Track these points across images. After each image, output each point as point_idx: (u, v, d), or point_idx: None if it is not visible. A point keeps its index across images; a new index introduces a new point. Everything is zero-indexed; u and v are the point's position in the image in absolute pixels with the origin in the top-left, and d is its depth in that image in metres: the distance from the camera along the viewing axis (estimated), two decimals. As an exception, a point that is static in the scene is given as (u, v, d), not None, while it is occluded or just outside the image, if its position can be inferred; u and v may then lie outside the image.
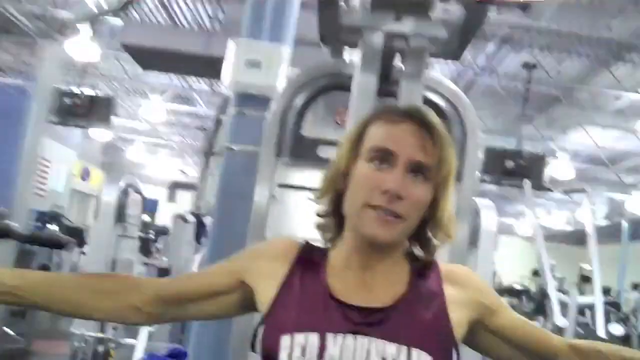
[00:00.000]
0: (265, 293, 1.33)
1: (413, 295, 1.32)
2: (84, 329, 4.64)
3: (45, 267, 10.80)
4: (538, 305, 8.81)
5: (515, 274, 16.55)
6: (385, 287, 1.31)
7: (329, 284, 1.31)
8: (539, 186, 8.10)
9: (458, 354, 1.31)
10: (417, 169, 1.25)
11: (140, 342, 4.23)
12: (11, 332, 7.48)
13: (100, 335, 4.78)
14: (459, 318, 1.32)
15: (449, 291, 1.34)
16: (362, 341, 1.24)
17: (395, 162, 1.24)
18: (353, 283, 1.31)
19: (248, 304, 1.40)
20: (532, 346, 1.38)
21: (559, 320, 5.18)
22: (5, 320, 7.37)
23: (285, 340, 1.24)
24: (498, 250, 5.16)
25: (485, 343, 1.40)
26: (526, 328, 1.40)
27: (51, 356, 7.62)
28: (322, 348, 1.23)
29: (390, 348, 1.24)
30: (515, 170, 8.51)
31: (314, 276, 1.33)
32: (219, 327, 2.27)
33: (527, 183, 6.02)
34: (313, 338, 1.24)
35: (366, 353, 1.23)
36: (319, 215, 1.38)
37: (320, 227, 1.39)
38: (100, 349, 4.86)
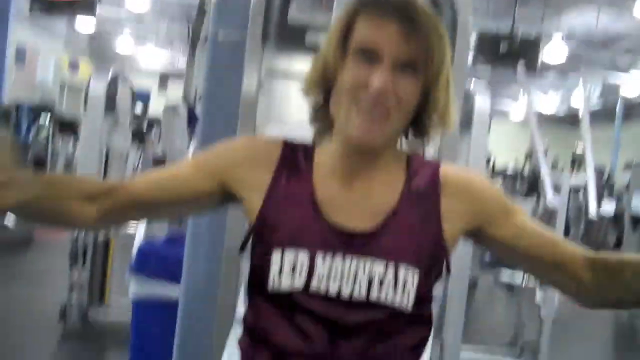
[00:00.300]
0: (252, 201, 1.31)
1: (405, 207, 1.29)
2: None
3: (40, 158, 10.88)
4: (530, 186, 8.94)
5: (509, 158, 16.70)
6: (378, 194, 1.29)
7: (317, 196, 1.29)
8: (533, 68, 8.07)
9: (449, 267, 1.31)
10: (404, 65, 1.21)
11: (140, 228, 4.31)
12: (12, 220, 7.61)
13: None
14: (453, 230, 1.31)
15: (446, 201, 1.31)
16: (351, 261, 1.24)
17: (381, 59, 1.20)
18: (342, 193, 1.29)
19: (226, 201, 1.39)
20: (540, 255, 1.33)
21: (551, 200, 5.25)
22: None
23: (276, 256, 1.24)
24: (492, 134, 5.17)
25: (491, 249, 1.39)
26: (534, 236, 1.33)
27: (53, 244, 7.77)
28: (311, 267, 1.24)
29: (378, 266, 1.24)
30: (509, 53, 8.45)
31: (301, 184, 1.31)
32: (213, 217, 2.30)
33: (521, 64, 5.98)
34: (303, 256, 1.24)
35: (354, 273, 1.23)
36: (311, 108, 1.34)
37: (312, 120, 1.35)
38: (101, 237, 4.95)
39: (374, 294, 1.23)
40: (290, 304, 1.25)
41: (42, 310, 5.02)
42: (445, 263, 1.29)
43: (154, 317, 2.80)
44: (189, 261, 2.37)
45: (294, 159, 1.33)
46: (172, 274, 2.66)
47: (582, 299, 1.35)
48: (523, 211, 1.37)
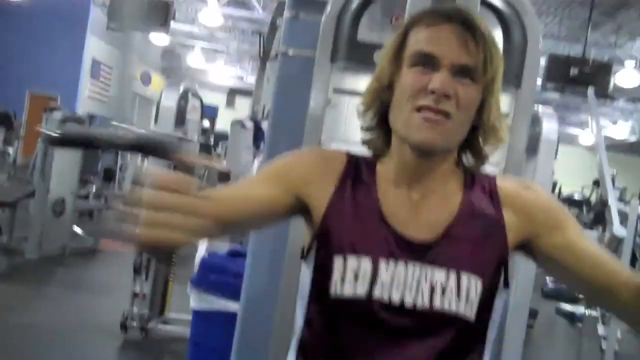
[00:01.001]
0: (317, 207, 1.32)
1: (465, 218, 1.29)
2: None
3: (109, 170, 11.13)
4: (597, 215, 8.75)
5: (576, 185, 16.38)
6: (437, 207, 1.28)
7: (381, 206, 1.30)
8: (604, 94, 7.91)
9: (507, 273, 1.29)
10: (462, 71, 1.21)
11: (203, 242, 4.36)
12: (80, 231, 7.79)
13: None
14: (513, 238, 1.29)
15: (507, 212, 1.30)
16: (413, 268, 1.24)
17: (439, 65, 1.20)
18: (404, 204, 1.29)
19: (295, 213, 1.38)
20: (590, 275, 1.26)
21: (618, 229, 5.12)
22: (74, 219, 7.66)
23: (338, 262, 1.25)
24: (559, 160, 5.08)
25: (542, 263, 1.35)
26: (586, 254, 1.27)
27: (117, 254, 7.93)
28: (374, 273, 1.23)
29: (440, 274, 1.23)
30: (580, 77, 8.30)
31: (364, 194, 1.32)
32: (275, 233, 2.31)
33: (591, 90, 5.87)
34: (366, 263, 1.24)
35: (417, 281, 1.23)
36: (364, 129, 1.35)
37: (366, 142, 1.36)
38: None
39: (436, 303, 1.22)
40: (352, 313, 1.24)
41: (105, 319, 5.11)
42: (505, 273, 1.27)
43: (213, 330, 2.83)
44: (250, 274, 2.39)
45: (357, 170, 1.34)
46: (233, 289, 2.69)
47: (633, 325, 1.29)
48: (580, 229, 1.33)
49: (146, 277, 4.87)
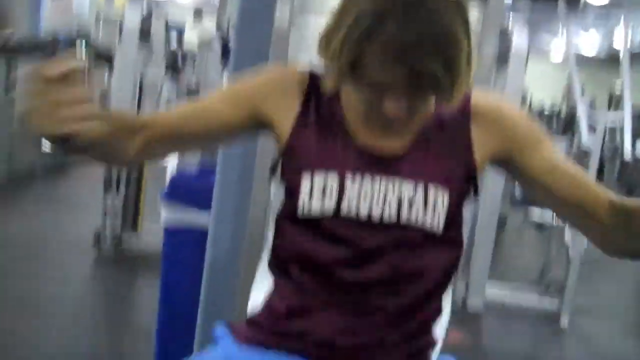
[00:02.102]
0: (282, 126, 1.33)
1: (434, 131, 1.30)
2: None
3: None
4: (566, 125, 8.81)
5: (546, 97, 16.41)
6: (403, 122, 1.27)
7: (346, 121, 1.31)
8: (575, 5, 7.86)
9: (477, 190, 1.32)
10: (418, 94, 1.17)
11: (171, 160, 4.35)
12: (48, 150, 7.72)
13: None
14: (483, 156, 1.31)
15: (476, 129, 1.31)
16: (380, 182, 1.26)
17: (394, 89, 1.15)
18: (370, 121, 1.30)
19: (257, 131, 1.40)
20: (564, 193, 1.28)
21: (586, 139, 5.18)
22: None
23: (305, 177, 1.26)
24: (529, 73, 5.08)
25: (518, 179, 1.37)
26: (561, 173, 1.29)
27: (87, 171, 7.89)
28: (341, 188, 1.25)
29: (407, 187, 1.25)
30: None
31: (329, 109, 1.33)
32: (245, 147, 2.32)
33: (561, 3, 5.83)
34: (333, 177, 1.26)
35: (383, 194, 1.25)
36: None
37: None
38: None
39: (404, 215, 1.25)
40: (320, 228, 1.27)
41: (77, 235, 5.14)
42: (474, 185, 1.30)
43: (185, 244, 2.85)
44: (220, 188, 2.40)
45: (322, 86, 1.32)
46: (204, 202, 2.70)
47: (601, 244, 1.29)
48: (553, 145, 1.34)
49: (117, 191, 4.87)
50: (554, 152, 1.33)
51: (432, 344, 1.36)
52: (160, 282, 3.04)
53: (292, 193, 1.29)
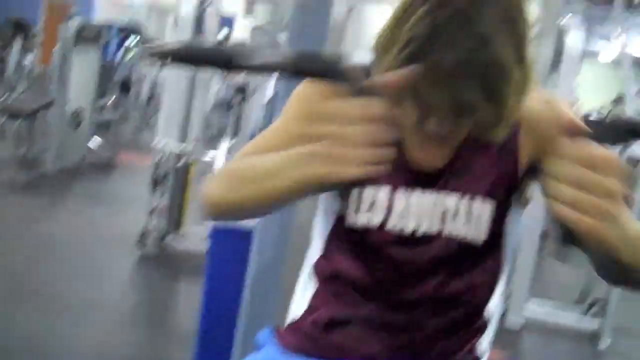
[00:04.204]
0: None
1: (479, 141, 1.22)
2: (164, 142, 4.77)
3: (126, 82, 11.07)
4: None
5: (597, 101, 16.14)
6: (447, 135, 1.19)
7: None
8: (632, 4, 7.65)
9: (524, 199, 1.28)
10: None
11: (220, 155, 4.35)
12: (97, 144, 7.80)
13: (181, 145, 4.90)
14: (527, 161, 1.24)
15: (524, 134, 1.24)
16: (426, 196, 1.23)
17: None
18: (417, 134, 1.21)
19: None
20: None
21: (636, 148, 5.06)
22: (92, 131, 7.66)
23: (355, 189, 1.23)
24: (581, 75, 4.96)
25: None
26: None
27: (135, 167, 7.96)
28: (390, 203, 1.23)
29: (451, 199, 1.22)
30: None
31: None
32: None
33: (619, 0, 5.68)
34: (383, 191, 1.24)
35: (430, 207, 1.23)
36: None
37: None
38: (181, 163, 5.02)
39: (447, 228, 1.22)
40: (364, 242, 1.25)
41: (122, 233, 5.16)
42: (520, 195, 1.26)
43: (230, 245, 2.83)
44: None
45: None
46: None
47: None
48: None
49: (163, 191, 4.87)
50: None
51: None
52: (203, 284, 3.03)
53: (341, 204, 1.27)
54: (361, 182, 0.88)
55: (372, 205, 1.23)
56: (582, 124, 0.89)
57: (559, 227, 0.86)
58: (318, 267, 1.37)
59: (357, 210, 1.24)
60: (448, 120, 1.09)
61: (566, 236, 0.86)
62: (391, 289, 1.27)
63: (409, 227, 1.23)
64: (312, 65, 0.91)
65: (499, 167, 1.24)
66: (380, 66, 1.10)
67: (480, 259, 1.27)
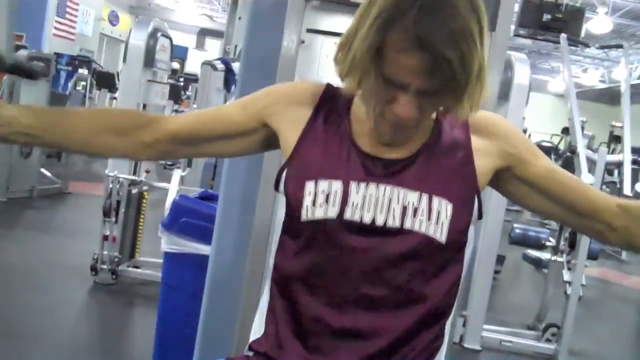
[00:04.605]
0: (289, 136, 1.34)
1: (437, 142, 1.31)
2: (117, 172, 4.74)
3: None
4: (565, 162, 8.84)
5: (546, 132, 16.48)
6: (408, 136, 1.30)
7: (352, 133, 1.32)
8: (576, 41, 7.89)
9: (480, 203, 1.31)
10: (429, 93, 1.17)
11: (173, 185, 4.33)
12: (48, 174, 7.71)
13: (133, 177, 4.89)
14: (484, 166, 1.32)
15: (476, 139, 1.33)
16: (384, 189, 1.26)
17: (406, 89, 1.16)
18: (376, 133, 1.30)
19: (268, 144, 1.42)
20: (571, 198, 1.37)
21: (586, 177, 5.17)
22: (41, 162, 7.57)
23: (309, 186, 1.26)
24: (529, 107, 5.11)
25: (515, 192, 1.40)
26: (566, 180, 1.38)
27: (87, 196, 7.86)
28: (345, 195, 1.25)
29: (412, 195, 1.25)
30: (552, 23, 8.28)
31: (337, 122, 1.33)
32: (248, 174, 2.30)
33: (563, 37, 5.86)
34: (336, 185, 1.26)
35: (388, 201, 1.25)
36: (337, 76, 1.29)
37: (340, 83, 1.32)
38: (134, 190, 4.99)
39: (407, 222, 1.24)
40: (323, 235, 1.26)
41: (75, 262, 5.08)
42: (478, 204, 1.30)
43: (185, 267, 2.82)
44: (222, 215, 2.38)
45: (334, 100, 1.35)
46: (204, 232, 2.68)
47: (612, 242, 1.42)
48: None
49: (116, 220, 4.83)
50: (549, 161, 1.39)
51: None
52: (158, 309, 3.01)
53: (296, 202, 1.28)
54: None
55: (326, 198, 1.26)
56: None
57: None
58: (276, 276, 1.36)
59: (313, 204, 1.26)
60: (419, 96, 1.17)
61: None
62: (354, 282, 1.26)
63: (366, 218, 1.25)
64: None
65: (457, 170, 1.30)
66: (348, 54, 1.20)
67: (443, 261, 1.29)
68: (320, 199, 1.25)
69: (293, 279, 1.32)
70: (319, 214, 1.25)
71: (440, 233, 1.25)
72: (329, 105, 1.35)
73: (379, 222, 1.25)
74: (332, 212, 1.25)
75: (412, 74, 1.15)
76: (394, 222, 1.25)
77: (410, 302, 1.28)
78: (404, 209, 1.25)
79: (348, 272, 1.26)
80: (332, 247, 1.26)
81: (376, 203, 1.25)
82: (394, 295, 1.26)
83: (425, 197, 1.25)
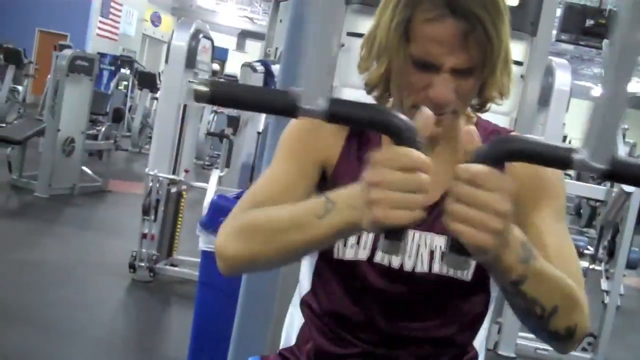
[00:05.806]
0: (331, 162, 1.31)
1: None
2: (157, 171, 4.79)
3: (119, 111, 11.12)
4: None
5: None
6: (442, 168, 1.17)
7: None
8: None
9: None
10: (463, 70, 1.14)
11: (211, 185, 4.37)
12: (89, 172, 7.82)
13: (172, 177, 4.94)
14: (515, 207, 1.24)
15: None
16: (413, 235, 1.25)
17: (440, 69, 1.13)
18: None
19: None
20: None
21: (626, 186, 5.10)
22: (83, 160, 7.68)
23: None
24: (570, 113, 5.04)
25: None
26: (551, 242, 1.21)
27: (126, 195, 7.96)
28: (375, 239, 1.24)
29: (439, 240, 1.24)
30: (595, 28, 8.19)
31: (369, 151, 1.29)
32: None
33: (606, 43, 5.80)
34: None
35: (417, 246, 1.25)
36: (364, 83, 1.27)
37: (369, 91, 1.28)
38: (173, 189, 5.04)
39: (435, 267, 1.24)
40: (353, 274, 1.26)
41: (113, 259, 5.16)
42: None
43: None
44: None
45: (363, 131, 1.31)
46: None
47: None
48: (561, 210, 1.28)
49: (155, 218, 4.89)
50: (557, 218, 1.26)
51: None
52: (194, 307, 3.04)
53: None
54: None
55: (358, 239, 1.25)
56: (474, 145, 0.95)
57: (452, 239, 0.95)
58: (307, 303, 1.37)
59: (345, 244, 1.25)
60: (455, 74, 1.13)
61: (458, 247, 0.94)
62: (381, 324, 1.27)
63: (394, 262, 1.25)
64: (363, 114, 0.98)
65: None
66: (371, 50, 1.20)
67: (469, 294, 1.28)
68: (352, 240, 1.25)
69: (323, 310, 1.33)
70: (349, 255, 1.25)
71: (467, 273, 1.24)
72: (360, 131, 1.31)
73: (408, 267, 1.25)
74: (363, 255, 1.25)
75: (446, 49, 1.11)
76: (422, 267, 1.24)
77: (438, 344, 1.28)
78: (432, 253, 1.24)
79: (376, 311, 1.27)
80: (361, 288, 1.27)
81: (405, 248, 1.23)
82: (421, 336, 1.27)
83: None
